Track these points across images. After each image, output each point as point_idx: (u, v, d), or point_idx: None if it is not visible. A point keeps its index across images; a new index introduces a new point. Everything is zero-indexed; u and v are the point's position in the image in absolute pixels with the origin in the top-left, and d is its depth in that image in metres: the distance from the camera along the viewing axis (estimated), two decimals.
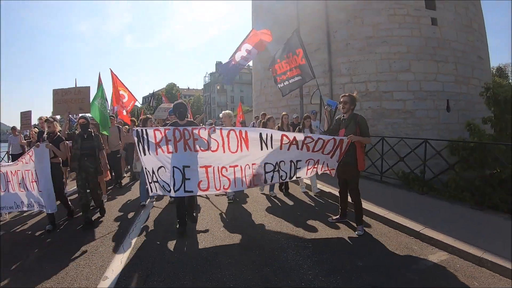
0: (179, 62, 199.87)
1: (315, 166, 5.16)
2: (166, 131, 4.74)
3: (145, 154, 4.77)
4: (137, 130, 4.79)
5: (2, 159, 12.05)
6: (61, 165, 5.72)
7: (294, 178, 5.25)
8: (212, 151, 4.84)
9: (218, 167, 4.89)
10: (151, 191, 4.94)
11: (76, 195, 6.50)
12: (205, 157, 4.84)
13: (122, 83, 10.57)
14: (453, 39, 11.48)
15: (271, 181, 5.19)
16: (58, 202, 5.51)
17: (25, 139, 9.59)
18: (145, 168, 4.86)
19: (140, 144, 4.73)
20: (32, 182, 5.26)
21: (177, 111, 5.16)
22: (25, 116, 9.01)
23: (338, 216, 5.20)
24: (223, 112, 6.92)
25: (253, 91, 17.80)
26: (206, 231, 5.05)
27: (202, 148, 4.78)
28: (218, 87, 60.36)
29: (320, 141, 4.88)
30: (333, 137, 4.84)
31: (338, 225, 5.04)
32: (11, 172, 5.41)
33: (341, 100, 4.85)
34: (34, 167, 5.19)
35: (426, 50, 11.02)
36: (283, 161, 5.03)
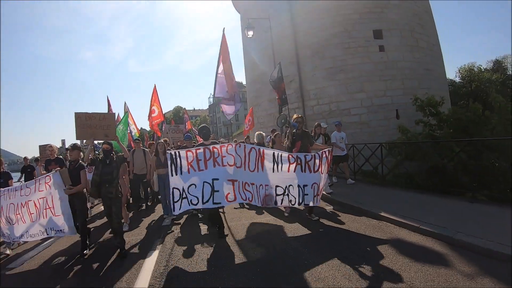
0: (183, 83, 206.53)
1: (319, 193, 5.81)
2: (198, 151, 5.23)
3: (176, 175, 5.14)
4: (170, 153, 5.22)
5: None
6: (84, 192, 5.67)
7: (303, 205, 5.79)
8: (237, 167, 5.35)
9: (242, 182, 5.39)
10: (175, 210, 5.12)
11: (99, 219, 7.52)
12: (232, 172, 5.31)
13: (158, 100, 11.24)
14: (399, 59, 14.23)
15: (281, 204, 5.69)
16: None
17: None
18: (172, 188, 5.13)
19: (172, 165, 5.13)
20: (45, 209, 5.26)
21: (201, 133, 5.88)
22: (44, 149, 9.17)
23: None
24: (256, 133, 7.88)
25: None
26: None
27: (229, 163, 5.29)
28: (221, 109, 63.53)
29: (317, 157, 5.71)
30: (323, 151, 5.81)
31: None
32: (21, 204, 5.42)
33: (298, 120, 6.22)
34: (51, 193, 5.24)
35: (375, 73, 13.88)
36: (291, 185, 5.61)
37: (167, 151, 5.36)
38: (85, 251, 5.34)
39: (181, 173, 5.12)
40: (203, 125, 6.14)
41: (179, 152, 5.22)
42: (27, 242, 6.13)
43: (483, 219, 5.12)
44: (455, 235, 4.49)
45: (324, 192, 7.24)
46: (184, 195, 5.11)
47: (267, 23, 14.74)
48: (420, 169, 9.80)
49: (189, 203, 5.12)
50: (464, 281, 3.40)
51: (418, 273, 3.63)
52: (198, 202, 5.12)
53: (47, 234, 5.33)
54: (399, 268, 3.82)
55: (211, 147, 5.27)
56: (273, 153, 5.61)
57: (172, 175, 5.13)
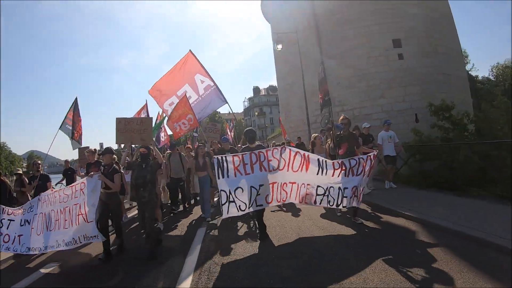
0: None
1: (359, 195, 5.73)
2: (244, 155, 5.34)
3: (223, 177, 5.27)
4: (217, 158, 5.37)
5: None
6: (118, 193, 5.65)
7: (341, 206, 5.71)
8: (280, 169, 5.51)
9: (281, 183, 5.57)
10: (224, 214, 5.27)
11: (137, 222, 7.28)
12: (274, 174, 5.47)
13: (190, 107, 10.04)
14: (417, 66, 15.45)
15: (319, 204, 5.73)
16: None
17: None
18: (221, 191, 5.28)
19: (219, 169, 5.27)
20: (78, 215, 5.17)
21: (247, 136, 5.85)
22: (83, 152, 9.18)
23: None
24: (313, 135, 8.39)
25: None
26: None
27: (274, 167, 5.45)
28: (256, 113, 65.87)
29: (362, 161, 5.67)
30: (368, 155, 5.70)
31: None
32: (60, 211, 5.37)
33: (344, 122, 6.20)
34: (84, 199, 5.16)
35: (395, 79, 15.27)
36: (332, 187, 5.61)
37: (214, 157, 5.53)
38: (120, 250, 5.51)
39: (227, 176, 5.27)
40: (249, 128, 6.14)
41: (226, 157, 5.38)
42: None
43: None
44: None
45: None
46: (231, 199, 5.23)
47: (295, 36, 16.49)
48: (435, 169, 11.00)
49: (238, 209, 5.26)
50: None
51: (468, 277, 3.53)
52: (245, 207, 5.29)
53: (80, 242, 5.16)
54: (449, 271, 3.71)
55: (257, 151, 5.44)
56: (318, 158, 5.70)
57: (219, 178, 5.29)
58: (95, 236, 5.01)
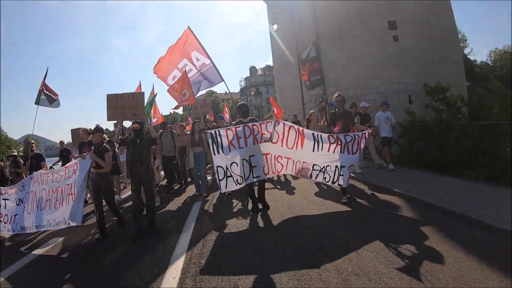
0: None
1: (352, 172, 5.81)
2: (237, 129, 5.32)
3: (218, 153, 5.29)
4: (210, 132, 5.35)
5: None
6: (109, 173, 5.65)
7: (336, 184, 5.65)
8: (273, 142, 5.52)
9: (275, 155, 5.63)
10: (222, 189, 5.39)
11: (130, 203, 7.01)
12: (266, 146, 5.52)
13: (189, 84, 9.23)
14: (413, 48, 15.40)
15: (315, 178, 5.71)
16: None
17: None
18: (217, 167, 5.33)
19: (214, 144, 5.28)
20: (69, 195, 5.17)
21: (240, 111, 5.85)
22: (76, 133, 8.83)
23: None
24: (310, 112, 8.40)
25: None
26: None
27: (266, 140, 5.48)
28: (253, 93, 65.70)
29: (357, 138, 5.61)
30: (363, 133, 5.66)
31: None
32: (52, 190, 5.37)
33: (338, 99, 6.07)
34: (76, 179, 5.16)
35: (390, 61, 15.23)
36: (329, 165, 5.57)
37: (208, 131, 5.52)
38: (121, 225, 5.72)
39: (223, 151, 5.29)
40: (241, 102, 6.16)
41: (219, 131, 5.38)
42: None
43: None
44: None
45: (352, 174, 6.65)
46: (228, 174, 5.29)
47: (291, 16, 16.28)
48: (425, 150, 11.06)
49: (235, 183, 5.33)
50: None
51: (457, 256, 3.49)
52: (242, 181, 5.34)
53: (68, 224, 5.12)
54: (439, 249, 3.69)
55: (250, 124, 5.42)
56: (313, 133, 5.66)
57: (215, 154, 5.32)
58: (70, 218, 5.02)
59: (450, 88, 12.90)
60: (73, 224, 5.06)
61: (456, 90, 14.37)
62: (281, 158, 5.64)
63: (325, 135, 5.62)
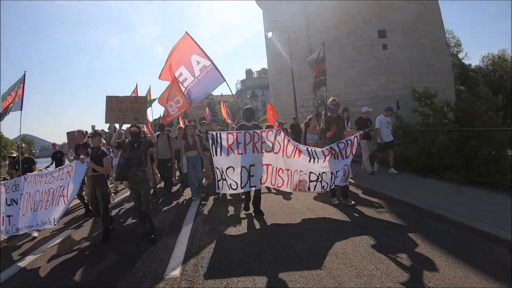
0: None
1: (347, 174, 5.95)
2: (238, 134, 5.29)
3: (217, 155, 5.31)
4: (212, 134, 5.34)
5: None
6: (105, 176, 5.61)
7: (333, 186, 5.84)
8: (275, 152, 5.50)
9: (276, 167, 5.60)
10: (219, 189, 5.40)
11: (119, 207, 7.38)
12: (268, 156, 5.48)
13: (181, 90, 9.22)
14: (400, 56, 16.04)
15: (314, 190, 5.73)
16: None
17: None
18: (216, 168, 5.39)
19: (213, 146, 5.29)
20: (60, 196, 5.21)
21: (244, 114, 5.85)
22: (72, 136, 8.82)
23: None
24: (310, 116, 8.03)
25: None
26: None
27: (267, 150, 5.43)
28: (248, 96, 66.00)
29: (349, 143, 5.81)
30: (354, 136, 5.85)
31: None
32: (45, 192, 5.40)
33: (333, 103, 6.18)
34: (69, 182, 5.20)
35: (379, 68, 15.88)
36: (325, 172, 5.66)
37: (209, 132, 5.49)
38: (109, 231, 5.45)
39: (220, 154, 5.30)
40: (248, 106, 6.10)
41: (220, 133, 5.37)
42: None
43: None
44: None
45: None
46: (224, 177, 5.30)
47: (285, 24, 16.88)
48: (412, 154, 11.49)
49: (228, 187, 5.33)
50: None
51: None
52: (237, 187, 5.34)
53: (54, 224, 5.20)
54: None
55: (251, 131, 5.37)
56: (307, 148, 5.75)
57: (215, 155, 5.33)
58: (49, 220, 5.11)
59: (437, 94, 13.41)
60: (53, 225, 5.19)
61: (444, 96, 14.89)
62: (282, 172, 5.62)
63: (319, 150, 5.72)
